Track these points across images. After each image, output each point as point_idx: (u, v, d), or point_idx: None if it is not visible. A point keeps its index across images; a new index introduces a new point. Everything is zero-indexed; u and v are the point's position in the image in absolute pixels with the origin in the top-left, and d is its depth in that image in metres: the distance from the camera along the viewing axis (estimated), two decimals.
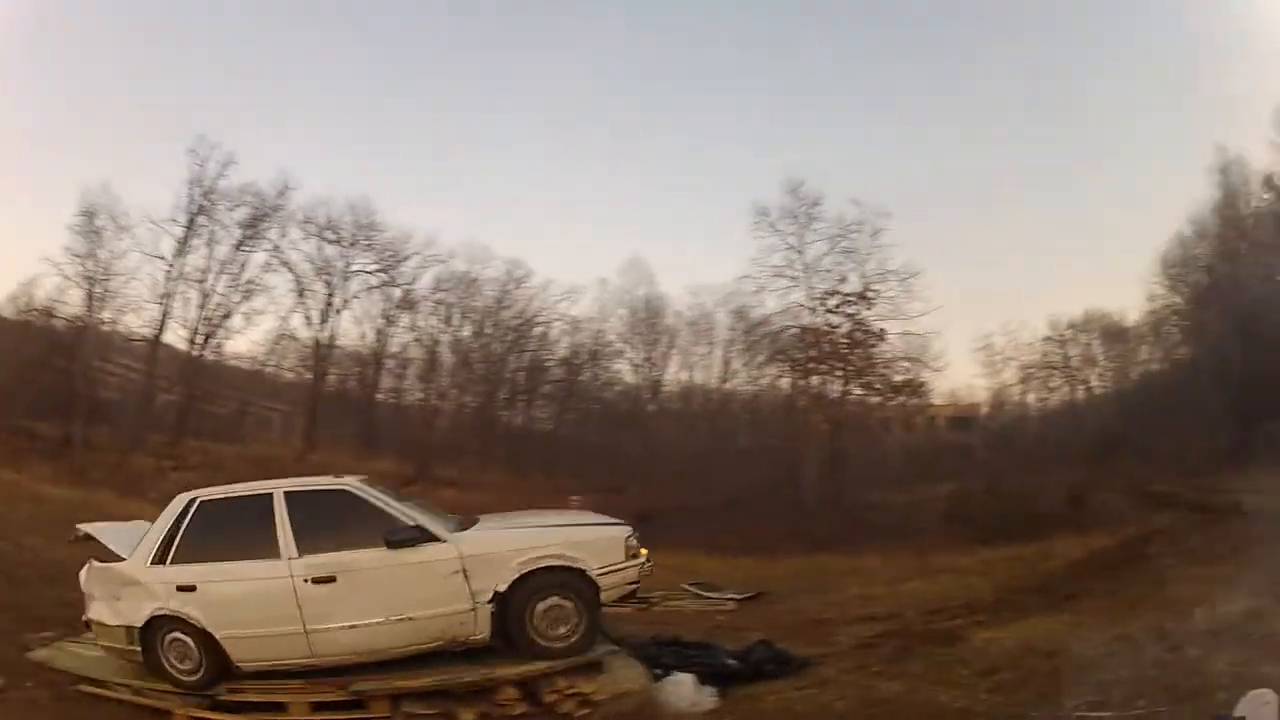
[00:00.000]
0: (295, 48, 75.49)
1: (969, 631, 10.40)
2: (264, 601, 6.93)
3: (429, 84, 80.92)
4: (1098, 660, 7.82)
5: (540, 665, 6.51)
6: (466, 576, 7.04)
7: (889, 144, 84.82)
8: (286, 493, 7.24)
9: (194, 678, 6.94)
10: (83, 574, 7.44)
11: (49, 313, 35.35)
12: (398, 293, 41.84)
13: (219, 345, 39.68)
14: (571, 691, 6.25)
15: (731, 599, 15.37)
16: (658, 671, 7.46)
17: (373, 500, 7.31)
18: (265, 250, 39.82)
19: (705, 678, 7.47)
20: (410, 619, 6.94)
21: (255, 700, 6.85)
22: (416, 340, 42.72)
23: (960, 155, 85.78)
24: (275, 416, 45.62)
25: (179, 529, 7.17)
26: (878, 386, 33.09)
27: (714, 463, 36.89)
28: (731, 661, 8.25)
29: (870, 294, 33.71)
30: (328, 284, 41.01)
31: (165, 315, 37.16)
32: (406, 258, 41.80)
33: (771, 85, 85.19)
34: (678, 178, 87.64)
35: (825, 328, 33.68)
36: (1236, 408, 39.06)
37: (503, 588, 7.05)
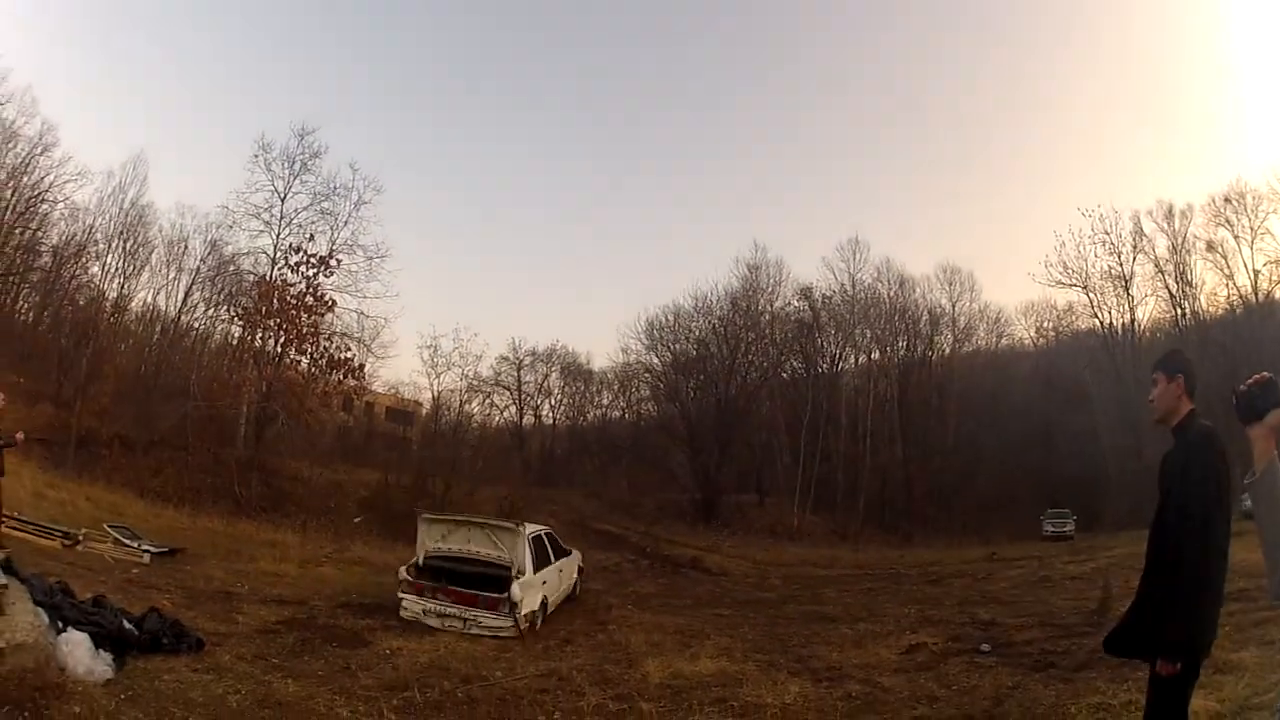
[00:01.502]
0: None
1: (377, 635, 10.39)
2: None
3: None
4: (525, 692, 7.94)
5: None
6: (575, 573, 15.90)
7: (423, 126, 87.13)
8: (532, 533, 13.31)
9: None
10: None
11: None
12: None
13: None
14: None
15: (148, 551, 14.45)
16: (60, 624, 6.81)
17: (556, 538, 15.29)
18: None
19: (100, 640, 6.97)
20: (565, 585, 14.82)
21: None
22: None
23: (482, 161, 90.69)
24: None
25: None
26: (316, 357, 32.42)
27: (158, 397, 34.46)
28: (129, 626, 7.75)
29: (333, 261, 33.33)
30: None
31: None
32: None
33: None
34: (204, 81, 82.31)
35: (280, 283, 32.57)
36: (704, 472, 44.77)
37: (574, 581, 15.73)
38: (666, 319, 51.65)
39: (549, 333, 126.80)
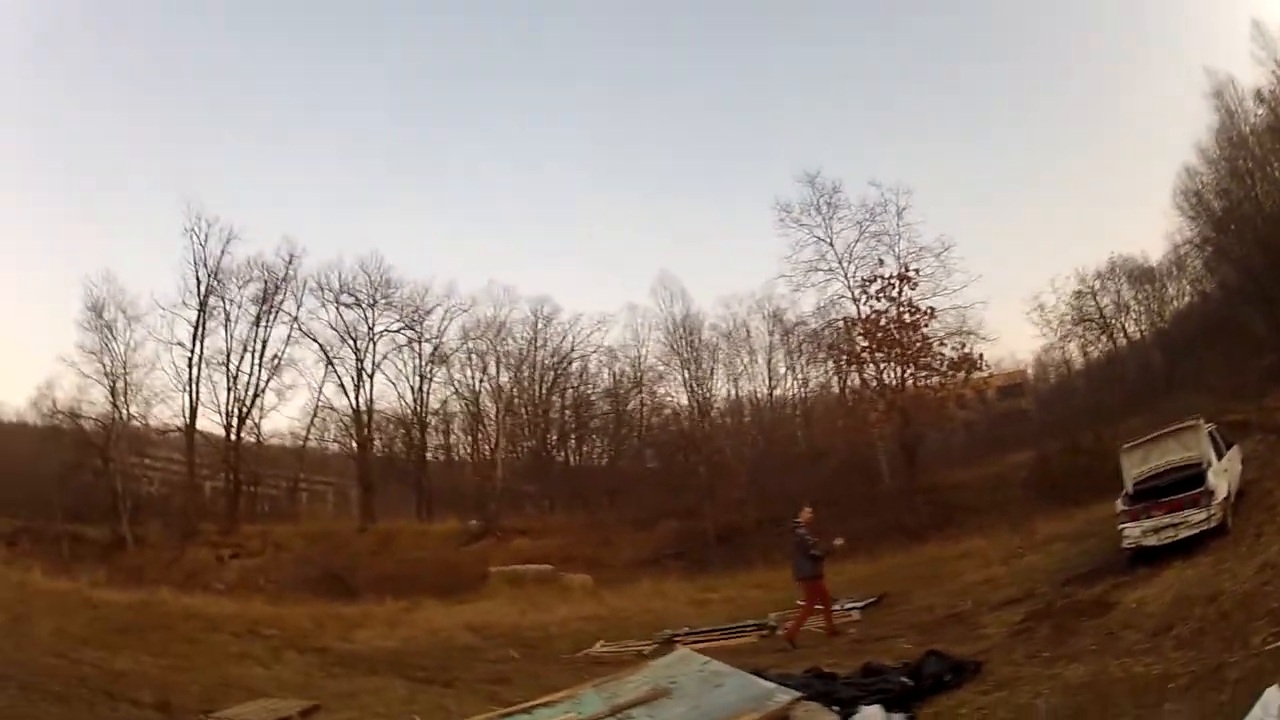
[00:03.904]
0: (284, 112, 76.61)
1: (1116, 595, 10.08)
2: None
3: (426, 133, 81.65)
4: (1256, 594, 7.57)
5: None
6: (1239, 465, 14.31)
7: (888, 126, 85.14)
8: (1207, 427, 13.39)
9: None
10: None
11: (74, 414, 35.31)
12: (428, 348, 42.36)
13: (256, 426, 39.95)
14: None
15: (854, 608, 14.69)
16: (837, 708, 6.69)
17: (1217, 433, 13.79)
18: (284, 323, 40.86)
19: (890, 705, 6.81)
20: (1234, 478, 13.28)
21: None
22: (455, 394, 43.23)
23: (959, 127, 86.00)
24: (327, 490, 45.31)
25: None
26: (936, 366, 32.13)
27: (777, 471, 35.87)
28: (906, 680, 7.60)
29: (910, 274, 33.01)
30: (355, 349, 41.54)
31: (194, 403, 37.57)
32: (430, 311, 42.68)
33: (765, 86, 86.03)
34: (692, 192, 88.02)
35: (872, 315, 32.89)
36: (1276, 324, 37.65)
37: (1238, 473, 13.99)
38: (1186, 185, 44.18)
39: (1100, 248, 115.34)
